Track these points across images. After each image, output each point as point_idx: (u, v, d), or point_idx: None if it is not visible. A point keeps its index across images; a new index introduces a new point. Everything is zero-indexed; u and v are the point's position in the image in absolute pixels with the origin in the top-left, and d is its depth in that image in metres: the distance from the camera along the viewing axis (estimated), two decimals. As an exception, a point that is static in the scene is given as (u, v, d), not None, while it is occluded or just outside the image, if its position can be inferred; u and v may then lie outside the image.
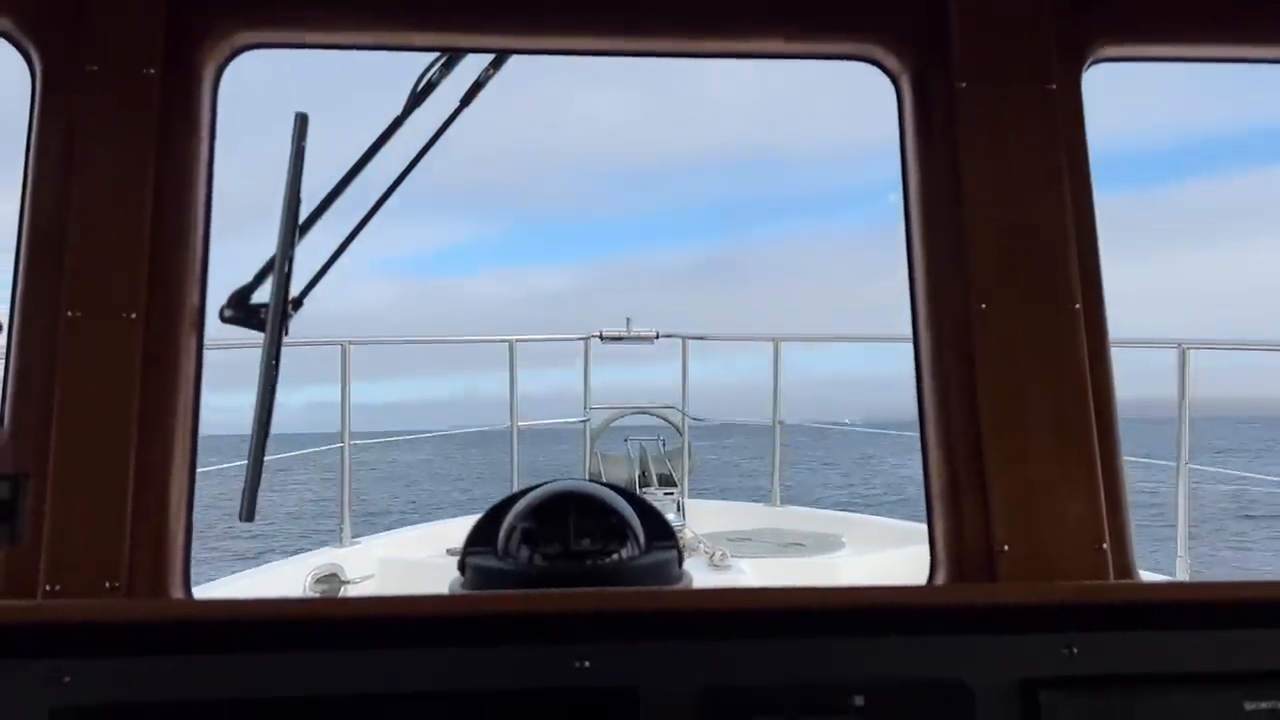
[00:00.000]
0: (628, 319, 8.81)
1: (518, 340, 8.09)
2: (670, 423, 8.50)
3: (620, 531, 1.95)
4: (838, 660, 1.63)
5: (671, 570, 2.00)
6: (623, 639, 1.60)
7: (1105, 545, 1.92)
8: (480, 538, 2.01)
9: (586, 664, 1.56)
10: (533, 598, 1.69)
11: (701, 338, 9.58)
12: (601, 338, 8.64)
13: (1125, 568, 1.95)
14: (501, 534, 1.98)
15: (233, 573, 6.67)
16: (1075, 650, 1.64)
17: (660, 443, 8.22)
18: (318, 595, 6.07)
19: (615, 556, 1.93)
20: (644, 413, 8.67)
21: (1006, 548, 1.91)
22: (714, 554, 6.52)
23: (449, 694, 1.57)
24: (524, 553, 1.93)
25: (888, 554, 6.59)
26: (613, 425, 8.50)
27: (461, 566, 2.02)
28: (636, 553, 1.95)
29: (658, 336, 8.84)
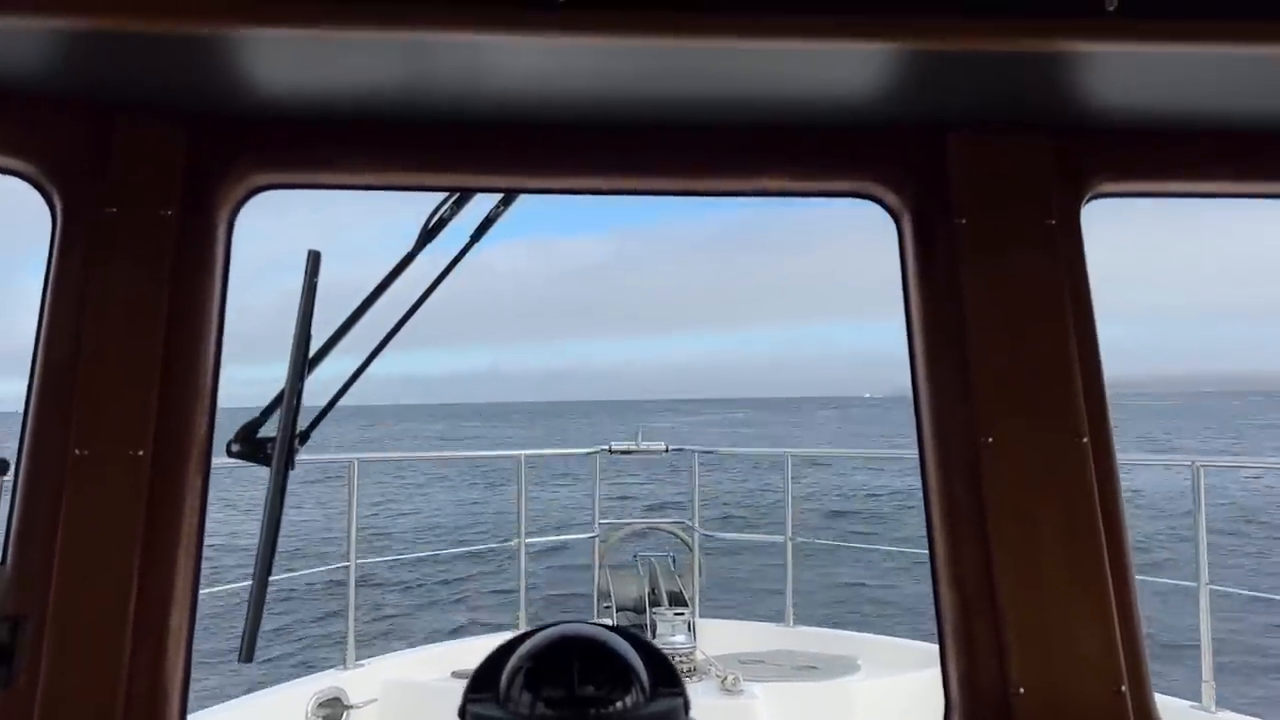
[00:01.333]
0: (639, 431, 8.82)
1: (528, 455, 8.08)
2: (680, 538, 8.40)
3: (625, 678, 1.90)
4: None
5: (678, 718, 1.95)
6: None
7: (1124, 688, 1.87)
8: (482, 684, 1.97)
9: None
10: None
11: (710, 451, 9.54)
12: (610, 452, 8.62)
13: (1145, 710, 1.90)
14: (503, 679, 1.93)
15: (238, 695, 6.52)
16: None
17: (670, 559, 8.10)
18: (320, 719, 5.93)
19: (619, 705, 1.88)
20: (654, 528, 8.58)
21: (1022, 690, 1.86)
22: (726, 678, 6.36)
23: None
24: (525, 699, 1.88)
25: (904, 677, 6.42)
26: (624, 540, 8.41)
27: (462, 714, 1.97)
28: (641, 699, 1.90)
29: (666, 450, 8.81)
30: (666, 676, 1.97)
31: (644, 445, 8.66)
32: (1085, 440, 1.99)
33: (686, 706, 1.98)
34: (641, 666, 1.95)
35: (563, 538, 8.72)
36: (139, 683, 1.81)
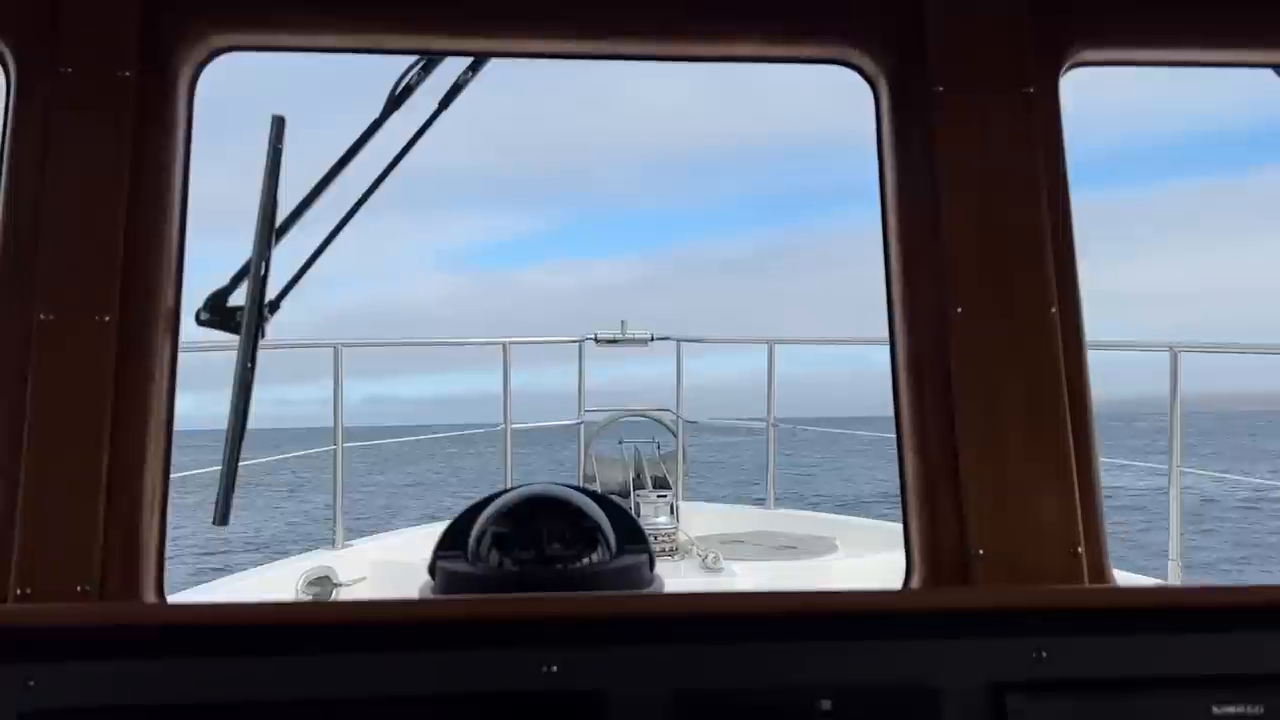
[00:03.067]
0: (623, 322, 8.84)
1: (511, 342, 8.11)
2: (665, 425, 8.51)
3: (591, 536, 1.95)
4: (808, 664, 1.63)
5: (642, 574, 2.00)
6: (591, 644, 1.60)
7: (1080, 549, 1.92)
8: (451, 542, 2.01)
9: (554, 668, 1.56)
10: (500, 602, 1.69)
11: (696, 340, 9.59)
12: (596, 340, 8.66)
13: (1100, 571, 1.95)
14: (472, 538, 1.97)
15: (230, 572, 6.67)
16: (1044, 654, 1.64)
17: (655, 445, 8.22)
18: (310, 597, 6.07)
19: (586, 561, 1.92)
20: (639, 415, 8.68)
21: (981, 551, 1.91)
22: (707, 557, 6.52)
23: (416, 698, 1.56)
24: (494, 557, 1.93)
25: (880, 557, 6.59)
26: (608, 427, 8.51)
27: (432, 570, 2.02)
28: (607, 557, 1.95)
29: (652, 339, 8.86)
30: (632, 534, 2.02)
31: (629, 334, 8.70)
32: (1054, 311, 2.00)
33: (651, 563, 2.03)
34: (608, 524, 2.00)
35: (548, 423, 8.80)
36: (115, 542, 1.84)
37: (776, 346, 8.41)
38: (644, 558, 2.00)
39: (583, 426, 8.42)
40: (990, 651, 1.65)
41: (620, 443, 8.34)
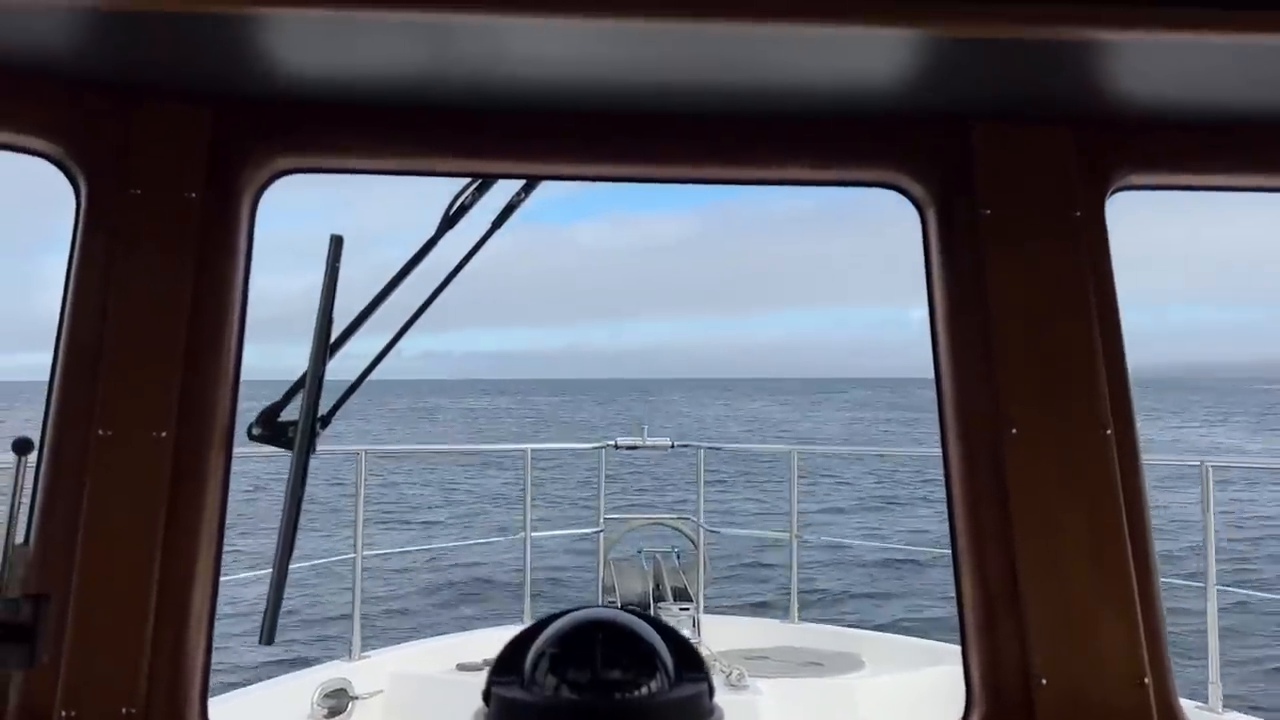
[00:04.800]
0: (644, 428, 8.82)
1: (533, 449, 8.09)
2: (685, 534, 8.40)
3: (649, 662, 1.90)
4: None
5: (702, 704, 1.94)
6: None
7: (1147, 680, 1.87)
8: (505, 667, 1.96)
9: None
10: None
11: (716, 448, 9.54)
12: (616, 447, 8.62)
13: (1167, 704, 1.89)
14: (527, 663, 1.93)
15: (244, 685, 6.53)
16: None
17: (675, 554, 8.10)
18: (325, 711, 5.93)
19: (645, 689, 1.87)
20: (659, 524, 8.58)
21: (1045, 681, 1.86)
22: (730, 674, 6.36)
23: None
24: (550, 682, 1.88)
25: (909, 675, 6.42)
26: (628, 535, 8.41)
27: (486, 697, 1.97)
28: (666, 685, 1.90)
29: (673, 446, 8.81)
30: (691, 662, 1.97)
31: (649, 441, 8.67)
32: (1109, 432, 1.98)
33: (711, 692, 1.97)
34: (666, 652, 1.95)
35: (567, 532, 8.71)
36: (161, 662, 1.81)
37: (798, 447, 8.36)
38: (704, 686, 1.95)
39: (602, 535, 8.32)
40: None
41: (639, 552, 8.23)
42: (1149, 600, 1.93)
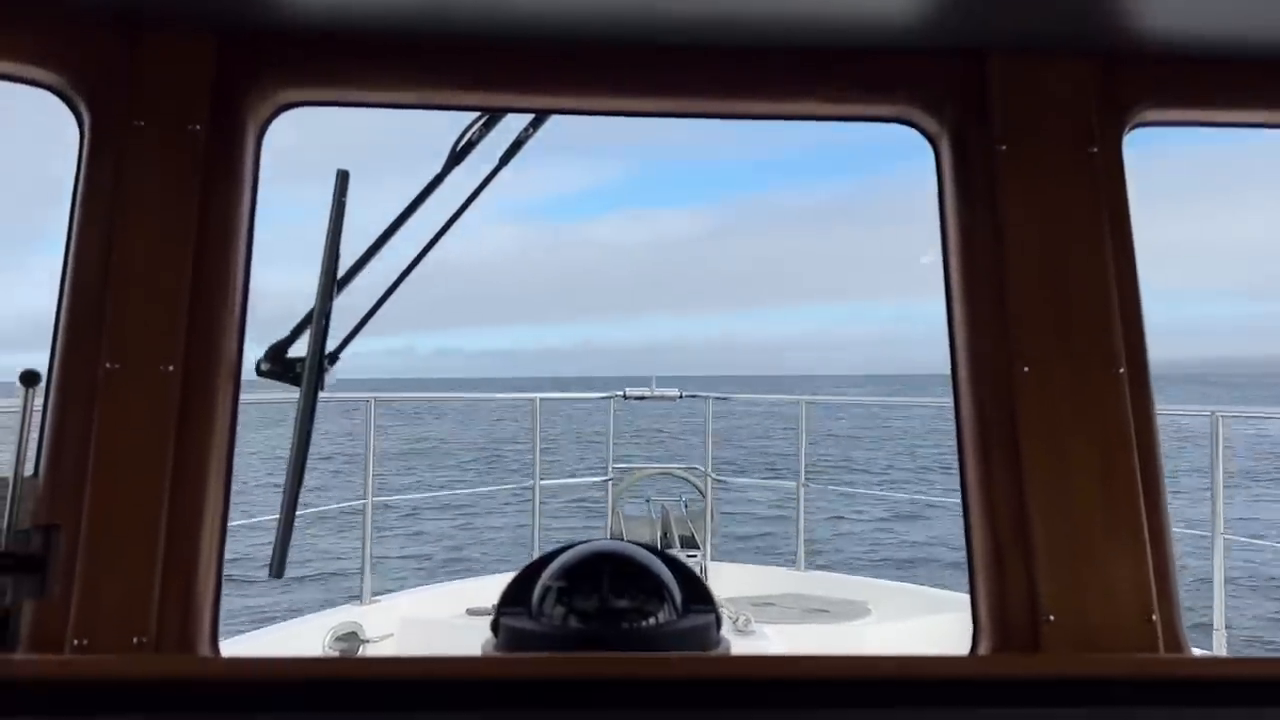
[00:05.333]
0: (653, 379, 8.84)
1: (543, 398, 8.11)
2: (693, 483, 8.44)
3: (657, 593, 1.91)
4: None
5: (710, 635, 1.95)
6: (660, 706, 1.55)
7: (1155, 616, 1.87)
8: (514, 598, 1.97)
9: None
10: (567, 661, 1.65)
11: (725, 398, 9.55)
12: (625, 397, 8.64)
13: (1175, 639, 1.89)
14: (535, 594, 1.94)
15: (254, 628, 6.61)
16: None
17: (683, 503, 8.15)
18: (337, 653, 6.00)
19: (652, 620, 1.89)
20: (667, 473, 8.62)
21: (1052, 617, 1.86)
22: (738, 619, 6.41)
23: None
24: (558, 613, 1.89)
25: (915, 621, 6.47)
26: (636, 484, 8.45)
27: (495, 627, 1.98)
28: (674, 616, 1.91)
29: (681, 396, 8.83)
30: (698, 594, 1.98)
31: (658, 391, 8.68)
32: (1122, 371, 1.97)
33: (718, 624, 1.98)
34: (673, 582, 1.96)
35: (577, 480, 8.75)
36: (172, 593, 1.82)
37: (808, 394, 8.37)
38: (711, 618, 1.96)
39: (611, 484, 8.36)
40: None
41: (648, 500, 8.28)
42: (1159, 538, 1.92)
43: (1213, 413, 5.97)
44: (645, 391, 8.68)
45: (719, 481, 8.67)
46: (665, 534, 7.69)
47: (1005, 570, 1.91)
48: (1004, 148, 2.03)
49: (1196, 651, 2.15)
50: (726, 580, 7.29)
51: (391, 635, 6.36)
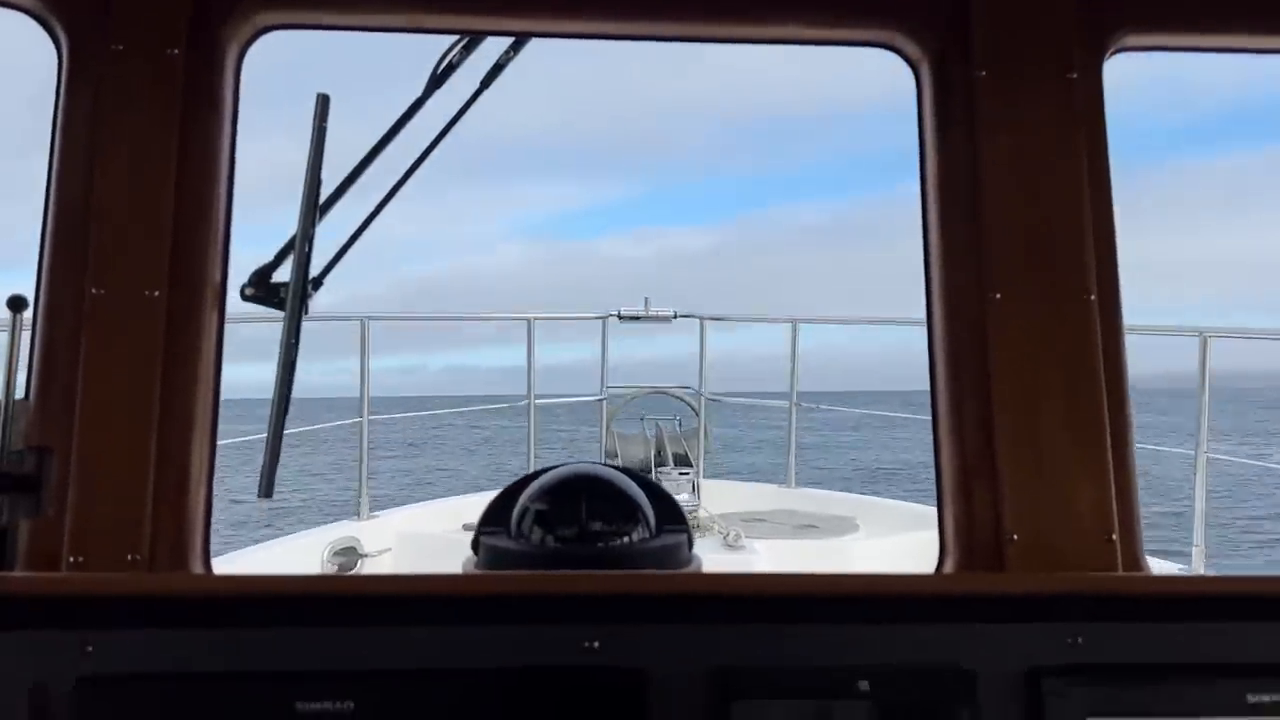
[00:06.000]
0: (646, 299, 8.86)
1: (536, 318, 8.14)
2: (687, 402, 8.52)
3: (632, 514, 1.97)
4: (845, 645, 1.65)
5: (681, 553, 2.02)
6: (632, 621, 1.62)
7: (1114, 536, 1.93)
8: (494, 518, 2.04)
9: (595, 644, 1.59)
10: (543, 579, 1.72)
11: (719, 318, 9.59)
12: (620, 317, 8.67)
13: (1134, 559, 1.96)
14: (514, 515, 2.00)
15: (253, 542, 6.75)
16: (1080, 640, 1.66)
17: (677, 422, 8.24)
18: (335, 567, 6.14)
19: (626, 539, 1.95)
20: (661, 392, 8.70)
21: (1015, 537, 1.92)
22: (728, 534, 6.55)
23: (459, 671, 1.60)
24: (536, 533, 1.95)
25: (902, 537, 6.61)
26: (630, 404, 8.53)
27: (475, 546, 2.05)
28: (647, 535, 1.97)
29: (675, 316, 8.86)
30: (671, 514, 2.04)
31: (652, 311, 8.71)
32: (1093, 298, 2.00)
33: (690, 543, 2.05)
34: (648, 504, 2.02)
35: (571, 399, 8.84)
36: (164, 512, 1.88)
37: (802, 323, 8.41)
38: (683, 538, 2.02)
39: (605, 403, 8.44)
40: (1026, 636, 1.67)
41: (642, 419, 8.37)
42: (1122, 462, 1.98)
43: (1201, 334, 6.01)
44: (640, 312, 8.70)
45: (712, 399, 8.75)
46: (659, 452, 7.79)
47: (972, 492, 1.97)
48: (983, 74, 2.03)
49: (1174, 569, 2.23)
50: (718, 497, 7.42)
51: (389, 550, 6.49)
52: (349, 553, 6.27)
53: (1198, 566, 5.84)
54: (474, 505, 6.84)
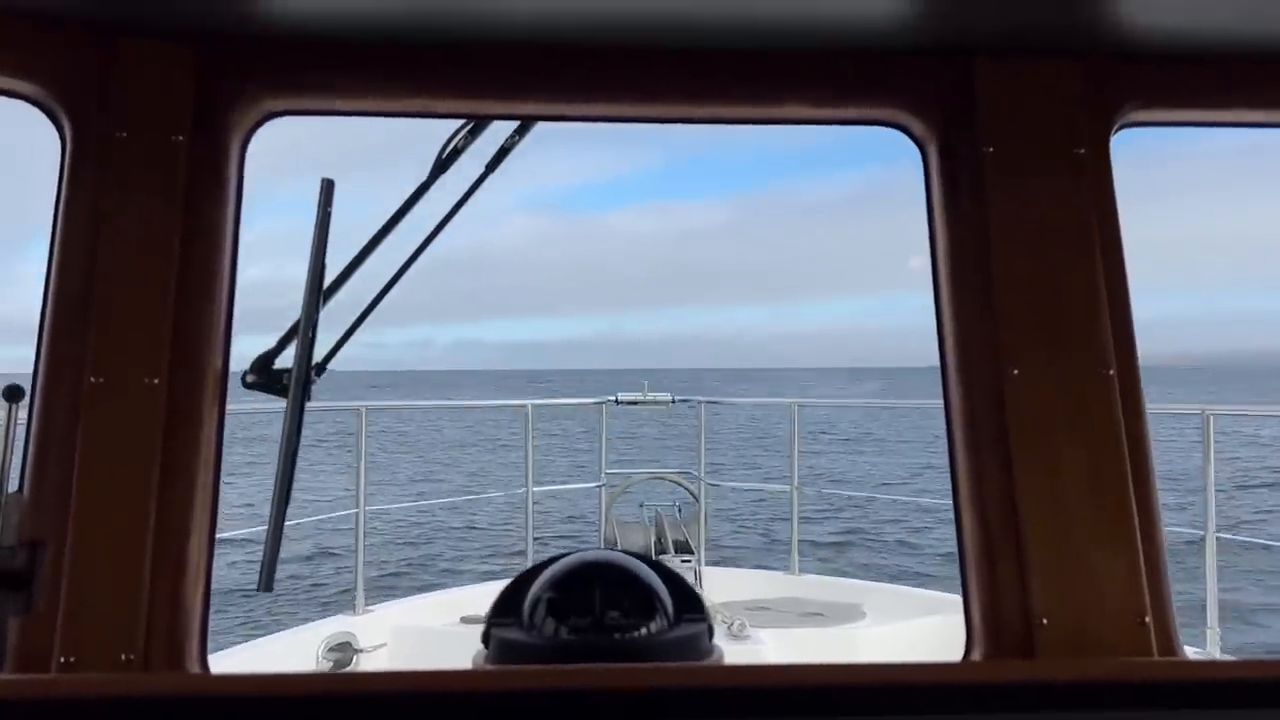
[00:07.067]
0: (644, 384, 8.84)
1: (535, 405, 8.09)
2: (686, 488, 8.43)
3: (649, 603, 1.90)
4: None
5: (702, 644, 1.94)
6: (654, 716, 1.54)
7: (1148, 619, 1.86)
8: (504, 609, 1.96)
9: None
10: (559, 673, 1.64)
11: (716, 402, 9.55)
12: (617, 402, 8.63)
13: (1168, 642, 1.89)
14: (526, 606, 1.93)
15: (245, 640, 6.58)
16: None
17: (676, 509, 8.14)
18: (330, 664, 5.98)
19: (644, 630, 1.87)
20: (660, 479, 8.61)
21: (1045, 621, 1.85)
22: (732, 624, 6.40)
23: None
24: (550, 625, 1.88)
25: (909, 624, 6.47)
26: (629, 490, 8.44)
27: (486, 639, 1.97)
28: (665, 625, 1.90)
29: (673, 401, 8.83)
30: (689, 602, 1.96)
31: (650, 396, 8.68)
32: (1112, 373, 1.96)
33: (710, 633, 1.97)
34: (665, 591, 1.95)
35: (570, 487, 8.74)
36: (159, 610, 1.81)
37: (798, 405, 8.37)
38: (703, 627, 1.95)
39: (604, 490, 8.35)
40: None
41: (641, 506, 8.27)
42: (1151, 540, 1.92)
43: (1203, 410, 5.98)
44: (638, 397, 8.67)
45: (713, 485, 8.66)
46: (659, 539, 7.67)
47: (997, 574, 1.90)
48: (991, 150, 2.03)
49: (1190, 653, 2.15)
50: (721, 585, 7.28)
51: (385, 645, 6.33)
52: (344, 648, 6.11)
53: (1212, 650, 5.70)
54: (471, 597, 6.72)
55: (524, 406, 8.00)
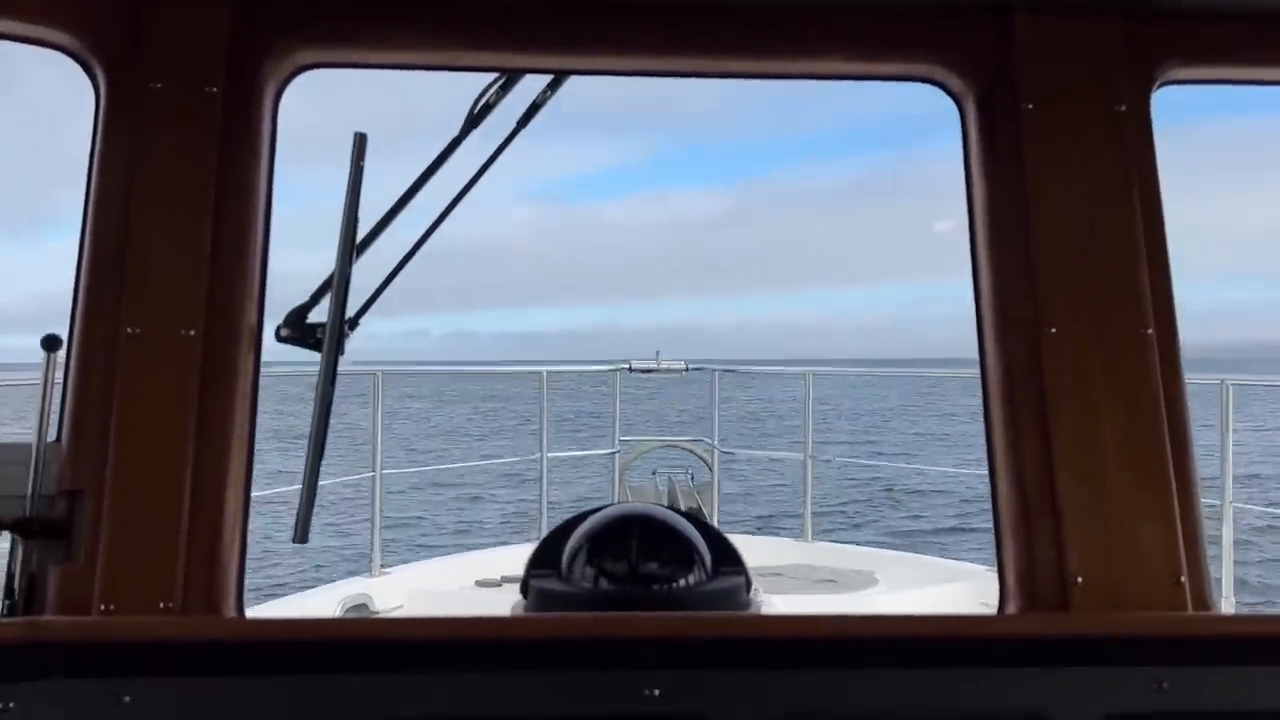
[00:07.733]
0: (657, 352, 8.83)
1: (549, 370, 8.09)
2: (700, 456, 8.44)
3: (688, 555, 1.90)
4: (911, 690, 1.58)
5: (740, 596, 1.95)
6: (693, 666, 1.55)
7: (1183, 578, 1.86)
8: (543, 560, 1.97)
9: (656, 692, 1.52)
10: (601, 621, 1.65)
11: (731, 369, 9.55)
12: (631, 369, 8.63)
13: (1203, 600, 1.89)
14: (565, 557, 1.94)
15: (263, 599, 6.64)
16: (1165, 685, 1.58)
17: (689, 475, 8.15)
18: None
19: (682, 581, 1.88)
20: (674, 446, 8.62)
21: (1080, 579, 1.85)
22: (746, 589, 6.42)
23: (510, 719, 1.53)
24: (588, 575, 1.88)
25: (922, 591, 6.48)
26: (643, 456, 8.45)
27: (524, 589, 1.98)
28: (704, 578, 1.91)
29: (687, 369, 8.82)
30: (727, 555, 1.97)
31: (664, 364, 8.67)
32: (1150, 332, 1.95)
33: (749, 585, 1.98)
34: (703, 545, 1.95)
35: (584, 453, 8.76)
36: (197, 558, 1.82)
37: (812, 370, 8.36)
38: (741, 580, 1.95)
39: (617, 456, 8.36)
40: (1107, 681, 1.59)
41: (654, 473, 8.28)
42: (1187, 500, 1.91)
43: (1222, 380, 5.96)
44: (651, 365, 8.66)
45: (726, 453, 8.67)
46: (672, 506, 7.68)
47: (1032, 532, 1.90)
48: (1030, 107, 2.00)
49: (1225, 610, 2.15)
50: None
51: (401, 607, 6.37)
52: (361, 609, 6.15)
53: (1227, 612, 5.72)
54: (487, 561, 6.75)
55: (539, 370, 8.01)
